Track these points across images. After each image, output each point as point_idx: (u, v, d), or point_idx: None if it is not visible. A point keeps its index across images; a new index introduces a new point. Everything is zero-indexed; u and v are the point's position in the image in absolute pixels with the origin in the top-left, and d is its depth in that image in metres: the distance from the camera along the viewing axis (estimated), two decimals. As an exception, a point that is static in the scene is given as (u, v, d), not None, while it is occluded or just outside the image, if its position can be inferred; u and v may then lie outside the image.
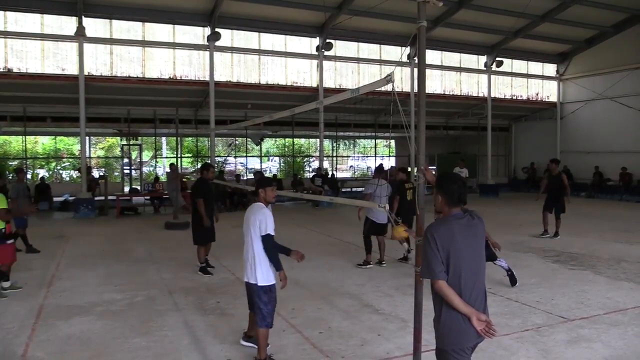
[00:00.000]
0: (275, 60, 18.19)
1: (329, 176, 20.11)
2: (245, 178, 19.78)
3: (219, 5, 15.82)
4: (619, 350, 4.69)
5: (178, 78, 16.78)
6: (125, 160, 19.96)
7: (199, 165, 24.32)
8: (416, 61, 3.94)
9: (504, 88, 22.81)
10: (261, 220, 4.28)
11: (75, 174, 22.22)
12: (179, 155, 16.18)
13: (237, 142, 23.64)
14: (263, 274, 4.32)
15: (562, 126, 23.48)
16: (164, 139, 25.62)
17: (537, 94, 23.62)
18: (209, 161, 16.02)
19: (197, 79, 17.00)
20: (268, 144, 26.20)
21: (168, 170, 15.67)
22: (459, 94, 21.78)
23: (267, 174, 23.81)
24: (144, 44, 16.26)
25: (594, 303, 6.17)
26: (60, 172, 23.80)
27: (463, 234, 2.86)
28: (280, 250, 4.49)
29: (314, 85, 18.60)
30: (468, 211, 2.97)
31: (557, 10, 18.60)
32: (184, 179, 15.59)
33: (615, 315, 5.72)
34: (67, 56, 15.35)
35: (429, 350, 3.33)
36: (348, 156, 29.13)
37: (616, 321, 5.50)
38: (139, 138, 20.57)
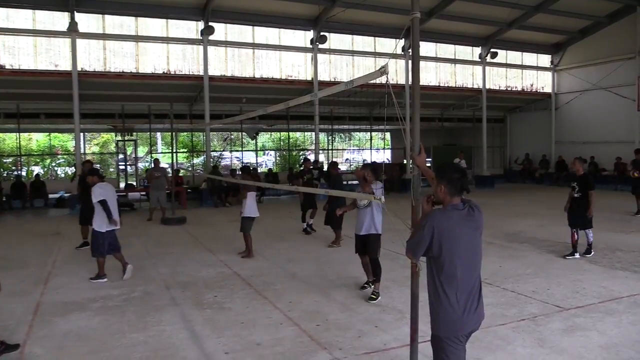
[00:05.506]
0: (270, 54, 18.10)
1: (325, 169, 20.05)
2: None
3: (212, -1, 15.73)
4: (614, 339, 4.73)
5: (172, 73, 16.68)
6: (121, 156, 19.87)
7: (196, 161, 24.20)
8: (410, 53, 3.93)
9: (498, 79, 22.82)
10: None
11: (70, 170, 22.12)
12: (174, 150, 16.10)
13: (232, 137, 23.56)
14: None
15: (556, 117, 23.53)
16: (158, 134, 25.50)
17: (531, 85, 23.64)
18: (205, 156, 15.94)
19: (191, 73, 16.91)
20: (263, 138, 26.10)
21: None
22: (454, 85, 21.76)
23: (263, 169, 23.76)
24: (137, 39, 16.14)
25: (589, 292, 6.22)
26: (55, 168, 23.68)
27: (462, 224, 2.87)
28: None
29: (309, 78, 18.54)
30: (468, 202, 2.96)
31: (551, 1, 18.58)
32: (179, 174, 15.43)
33: (610, 303, 5.76)
34: (60, 52, 15.23)
35: (426, 341, 3.34)
36: (344, 149, 29.10)
37: (611, 310, 5.54)
38: (134, 133, 20.50)
